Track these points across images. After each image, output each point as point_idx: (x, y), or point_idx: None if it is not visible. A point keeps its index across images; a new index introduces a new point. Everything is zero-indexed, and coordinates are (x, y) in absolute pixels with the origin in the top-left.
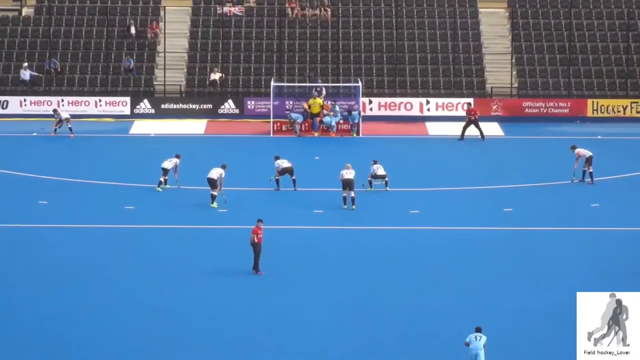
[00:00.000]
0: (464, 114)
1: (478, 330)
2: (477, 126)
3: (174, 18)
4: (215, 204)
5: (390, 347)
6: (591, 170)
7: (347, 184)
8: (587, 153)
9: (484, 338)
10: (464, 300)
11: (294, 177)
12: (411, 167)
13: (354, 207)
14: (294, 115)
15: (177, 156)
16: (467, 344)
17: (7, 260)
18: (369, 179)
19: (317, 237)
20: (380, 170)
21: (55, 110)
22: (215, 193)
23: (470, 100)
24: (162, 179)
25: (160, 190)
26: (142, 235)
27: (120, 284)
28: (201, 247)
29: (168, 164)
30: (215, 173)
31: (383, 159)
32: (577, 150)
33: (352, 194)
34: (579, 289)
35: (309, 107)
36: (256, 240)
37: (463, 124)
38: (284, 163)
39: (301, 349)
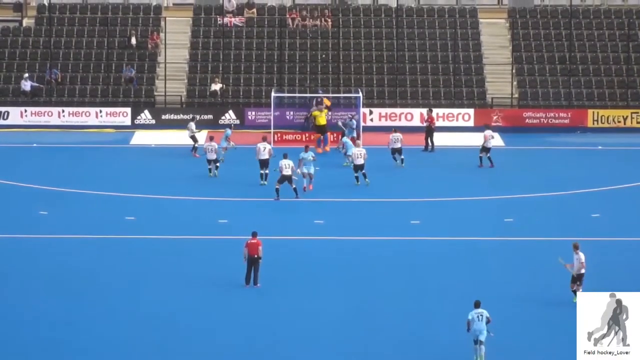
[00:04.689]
0: (465, 124)
1: (477, 305)
2: (431, 135)
3: (175, 29)
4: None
5: (389, 356)
6: (482, 155)
7: (359, 167)
8: (490, 144)
9: (485, 313)
10: (464, 308)
11: (294, 187)
12: (412, 177)
13: (367, 181)
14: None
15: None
16: (469, 324)
17: (7, 271)
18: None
19: (316, 247)
20: (397, 143)
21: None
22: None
23: (429, 109)
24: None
25: (215, 174)
26: (143, 245)
27: (120, 294)
28: (201, 257)
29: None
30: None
31: (383, 169)
32: (486, 132)
33: (363, 172)
34: None
35: (314, 118)
36: (260, 255)
37: (460, 134)
38: (286, 170)
39: (299, 357)
